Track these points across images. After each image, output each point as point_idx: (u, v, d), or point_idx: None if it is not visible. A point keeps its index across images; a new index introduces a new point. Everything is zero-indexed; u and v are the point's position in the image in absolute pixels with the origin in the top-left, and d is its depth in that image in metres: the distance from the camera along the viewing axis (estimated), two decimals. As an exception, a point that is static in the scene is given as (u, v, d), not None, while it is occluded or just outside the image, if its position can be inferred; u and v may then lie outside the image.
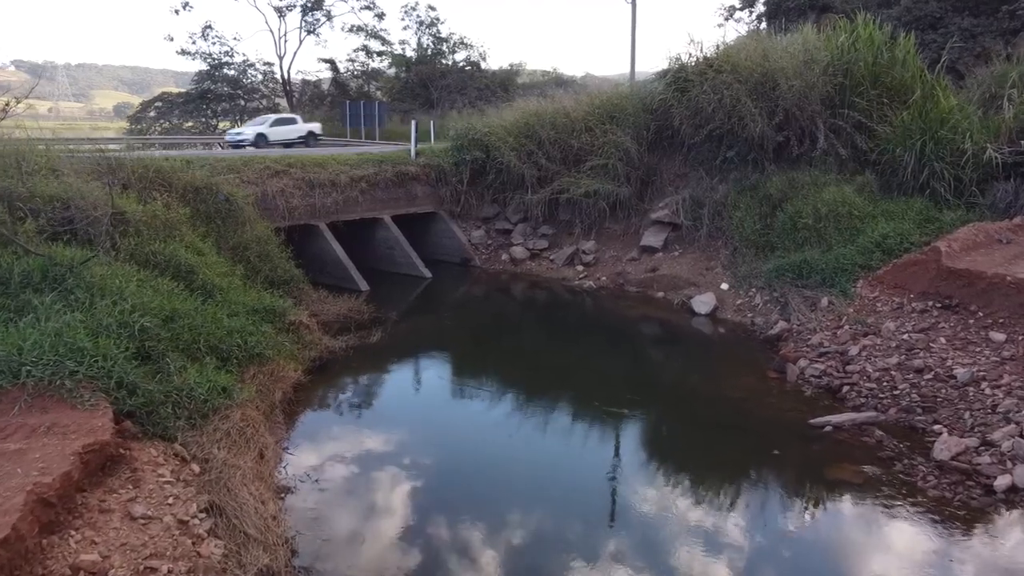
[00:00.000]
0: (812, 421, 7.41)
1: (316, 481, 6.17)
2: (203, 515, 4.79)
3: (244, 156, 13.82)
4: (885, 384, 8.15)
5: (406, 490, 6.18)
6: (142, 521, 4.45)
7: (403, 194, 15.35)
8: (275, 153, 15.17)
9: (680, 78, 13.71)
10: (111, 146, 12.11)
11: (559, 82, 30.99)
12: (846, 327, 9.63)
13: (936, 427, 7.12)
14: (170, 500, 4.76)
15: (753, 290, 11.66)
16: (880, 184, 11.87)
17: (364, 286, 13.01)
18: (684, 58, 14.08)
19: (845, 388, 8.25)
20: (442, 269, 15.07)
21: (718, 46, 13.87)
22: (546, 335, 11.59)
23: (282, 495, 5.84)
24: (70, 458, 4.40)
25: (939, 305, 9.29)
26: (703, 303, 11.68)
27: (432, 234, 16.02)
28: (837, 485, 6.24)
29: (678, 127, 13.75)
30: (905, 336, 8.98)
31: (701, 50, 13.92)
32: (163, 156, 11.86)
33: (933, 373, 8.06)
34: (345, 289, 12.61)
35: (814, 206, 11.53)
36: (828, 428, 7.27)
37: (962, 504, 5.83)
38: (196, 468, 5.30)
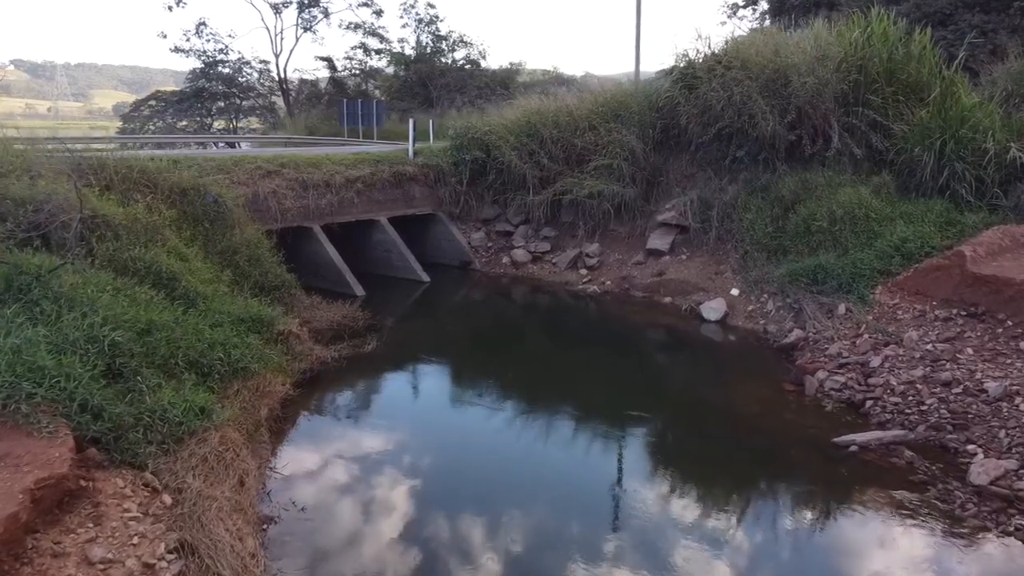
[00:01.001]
0: (836, 440, 6.91)
1: (302, 509, 5.68)
2: (172, 556, 4.29)
3: (235, 156, 13.33)
4: (911, 399, 7.66)
5: (401, 515, 5.69)
6: (101, 566, 3.96)
7: (400, 195, 14.86)
8: (268, 152, 14.67)
9: (688, 75, 13.20)
10: (95, 145, 11.59)
11: (559, 81, 30.46)
12: (866, 336, 9.14)
13: (970, 447, 6.62)
14: (135, 540, 4.26)
15: (765, 296, 11.17)
16: (897, 185, 11.38)
17: (359, 291, 12.52)
18: (691, 54, 13.60)
19: (868, 403, 7.76)
20: (441, 272, 14.58)
21: (727, 41, 13.37)
22: (549, 342, 11.08)
23: (264, 526, 5.35)
24: (19, 496, 3.91)
25: (964, 313, 8.81)
26: (713, 309, 11.18)
27: (430, 236, 15.53)
28: (869, 513, 5.75)
29: (685, 126, 13.24)
30: (929, 346, 8.50)
31: (709, 46, 13.43)
32: (148, 156, 11.36)
33: (962, 387, 7.57)
34: (339, 294, 12.13)
35: (829, 208, 11.04)
36: (853, 448, 6.78)
37: (1006, 534, 5.34)
38: (168, 500, 4.81)
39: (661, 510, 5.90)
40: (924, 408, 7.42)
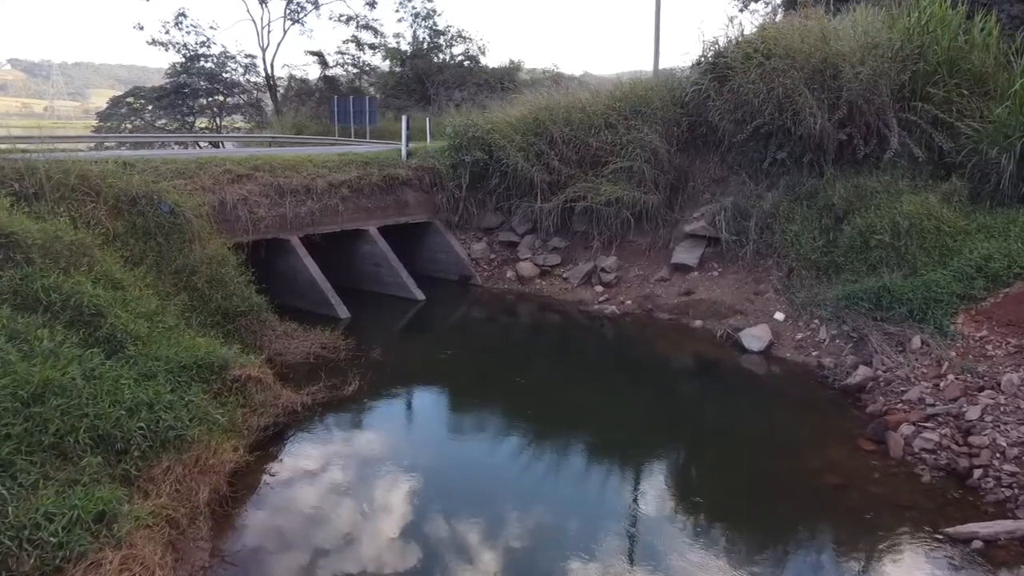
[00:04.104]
0: (951, 531, 5.31)
1: (239, 657, 4.06)
2: None
3: (201, 158, 11.69)
4: (1031, 466, 6.06)
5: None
6: None
7: (392, 201, 13.24)
8: (240, 153, 13.05)
9: (719, 65, 11.60)
10: (21, 146, 9.97)
11: (559, 80, 28.93)
12: (951, 377, 7.54)
13: None
14: None
15: (816, 322, 9.56)
16: (968, 192, 9.79)
17: (343, 312, 10.90)
18: (722, 42, 11.99)
19: (976, 472, 6.15)
20: (437, 289, 12.95)
21: (764, 27, 11.78)
22: (562, 374, 9.38)
23: None
24: None
25: (1074, 351, 7.23)
26: (755, 338, 9.55)
27: (426, 248, 13.92)
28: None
29: (716, 123, 11.67)
30: (1037, 393, 6.90)
31: (742, 32, 11.82)
32: (92, 158, 9.74)
33: (1096, 452, 5.98)
34: (320, 316, 10.55)
35: (891, 218, 9.44)
36: (977, 543, 5.18)
37: None
38: None
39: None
40: (1052, 481, 5.82)
